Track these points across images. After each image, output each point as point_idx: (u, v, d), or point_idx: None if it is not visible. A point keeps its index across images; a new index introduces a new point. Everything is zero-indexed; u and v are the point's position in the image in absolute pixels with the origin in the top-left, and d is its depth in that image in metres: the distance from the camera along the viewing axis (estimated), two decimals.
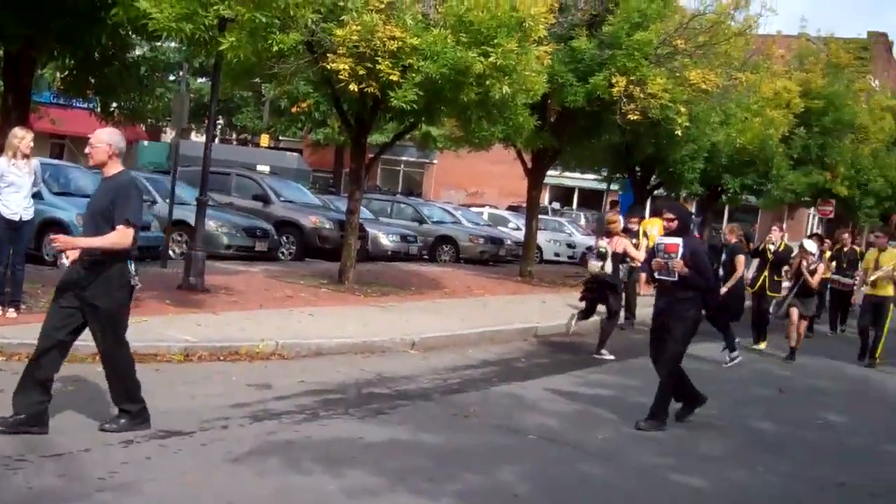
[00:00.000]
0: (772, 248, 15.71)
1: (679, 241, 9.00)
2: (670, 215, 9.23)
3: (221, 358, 10.01)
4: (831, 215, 41.73)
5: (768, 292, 15.68)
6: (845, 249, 19.42)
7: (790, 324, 14.74)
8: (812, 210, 46.91)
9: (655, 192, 28.35)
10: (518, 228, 30.80)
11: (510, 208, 41.44)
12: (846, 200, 39.37)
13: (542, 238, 26.95)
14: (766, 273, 15.65)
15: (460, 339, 12.80)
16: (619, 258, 12.89)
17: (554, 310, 16.40)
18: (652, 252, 9.74)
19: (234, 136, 49.58)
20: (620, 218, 13.90)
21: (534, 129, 17.94)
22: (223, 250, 18.29)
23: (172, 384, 8.73)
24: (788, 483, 7.69)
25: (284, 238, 20.90)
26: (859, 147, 35.35)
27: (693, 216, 28.12)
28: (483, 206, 38.45)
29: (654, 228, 20.12)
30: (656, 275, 9.18)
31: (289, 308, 13.21)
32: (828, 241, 20.29)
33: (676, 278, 8.89)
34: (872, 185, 40.91)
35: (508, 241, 27.71)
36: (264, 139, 39.11)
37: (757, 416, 10.27)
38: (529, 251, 22.70)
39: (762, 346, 15.57)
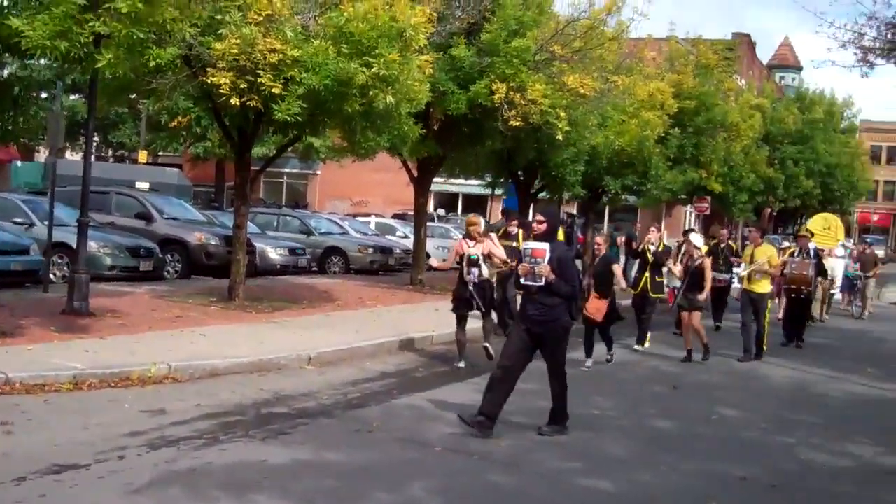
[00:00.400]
0: (651, 248, 15.77)
1: (546, 246, 8.82)
2: (540, 218, 9.08)
3: (113, 384, 9.71)
4: (707, 212, 42.95)
5: (651, 293, 15.70)
6: (721, 245, 19.79)
7: (683, 328, 14.84)
8: (689, 207, 48.21)
9: (539, 195, 28.70)
10: (406, 236, 30.81)
11: (396, 216, 41.44)
12: (721, 197, 40.57)
13: (430, 245, 26.92)
14: (647, 274, 15.72)
15: (357, 352, 12.71)
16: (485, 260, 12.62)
17: (447, 317, 16.29)
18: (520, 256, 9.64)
19: (111, 153, 48.37)
20: (481, 220, 13.56)
21: (418, 137, 17.99)
22: (107, 272, 17.76)
23: (63, 414, 8.46)
24: (692, 481, 7.84)
25: (169, 256, 20.44)
26: (731, 145, 36.45)
27: (577, 218, 28.57)
28: (369, 215, 38.36)
29: None
30: (522, 280, 8.95)
31: (179, 329, 12.91)
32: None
33: (543, 283, 8.70)
34: (744, 181, 42.35)
35: (397, 250, 27.71)
36: (142, 155, 38.20)
37: (655, 414, 10.48)
38: (419, 259, 22.70)
39: (646, 345, 15.61)
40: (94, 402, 8.99)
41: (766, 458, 8.84)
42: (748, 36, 63.86)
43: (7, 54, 12.19)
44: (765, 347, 15.40)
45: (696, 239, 15.44)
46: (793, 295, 17.40)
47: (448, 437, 8.61)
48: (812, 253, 18.23)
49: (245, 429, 8.39)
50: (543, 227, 8.98)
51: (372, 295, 19.27)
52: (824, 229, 23.80)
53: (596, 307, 13.19)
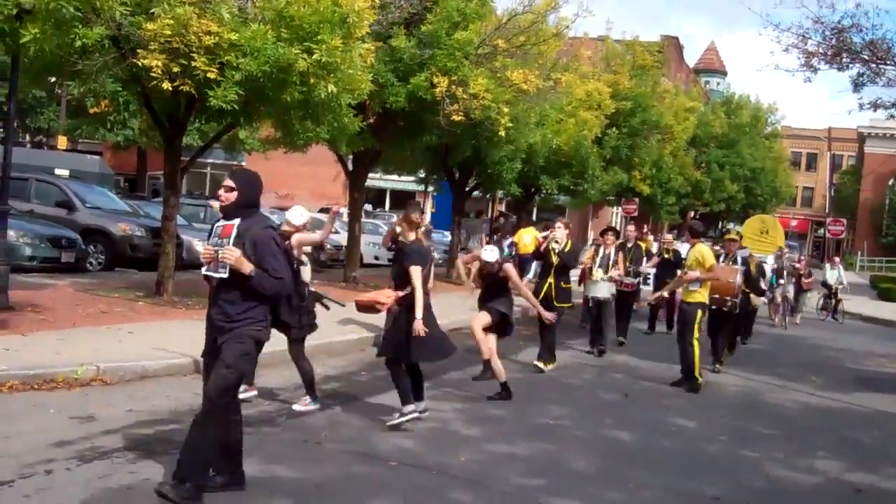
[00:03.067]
0: (556, 247, 12.98)
1: (235, 223, 6.28)
2: (229, 184, 6.34)
3: (36, 387, 8.93)
4: (635, 213, 42.99)
5: (555, 302, 12.85)
6: (629, 245, 17.56)
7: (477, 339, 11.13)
8: (616, 209, 48.29)
9: (474, 193, 28.30)
10: (336, 232, 30.07)
11: (322, 210, 40.66)
12: (649, 199, 40.67)
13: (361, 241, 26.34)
14: (550, 280, 12.95)
15: None
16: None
17: (384, 316, 15.87)
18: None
19: (28, 138, 46.59)
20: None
21: (357, 130, 17.36)
22: (26, 262, 16.75)
23: None
24: (664, 500, 7.38)
25: (92, 247, 19.47)
26: (664, 147, 36.53)
27: (509, 217, 28.15)
28: None
29: (527, 237, 18.19)
30: (204, 270, 6.38)
31: (105, 325, 12.09)
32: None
33: (226, 274, 6.18)
34: (672, 184, 42.51)
35: (328, 246, 26.93)
36: (62, 141, 36.74)
37: (612, 424, 10.02)
38: (353, 256, 22.01)
39: (550, 365, 13.06)
40: (17, 407, 8.22)
41: (734, 474, 8.42)
42: (676, 39, 64.27)
43: None
44: (698, 377, 12.70)
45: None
46: (713, 307, 13.83)
47: (402, 449, 8.04)
48: (740, 260, 15.56)
49: (182, 436, 7.68)
50: (233, 196, 6.29)
51: None
52: (761, 233, 21.93)
53: (387, 295, 9.50)
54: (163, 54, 12.89)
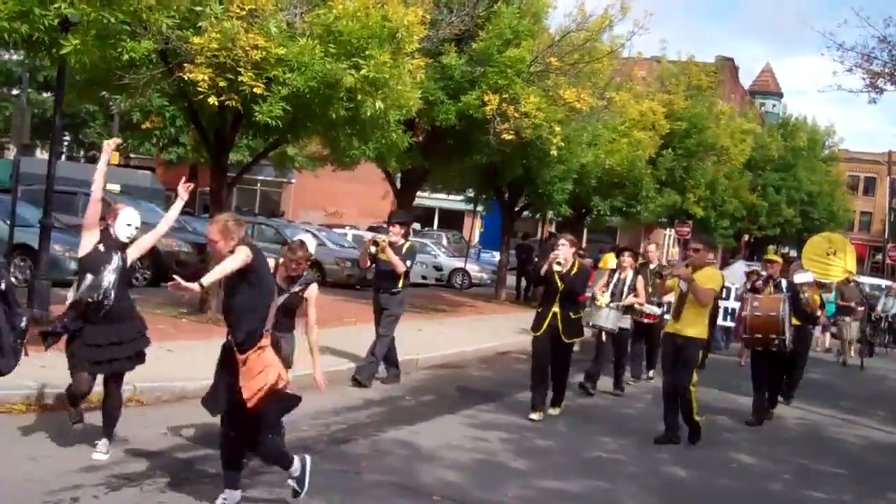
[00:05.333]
0: (559, 269, 10.31)
1: None
2: None
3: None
4: (688, 236, 42.25)
5: (563, 337, 10.47)
6: (651, 266, 14.38)
7: None
8: (669, 230, 47.53)
9: (523, 213, 27.89)
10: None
11: (371, 229, 40.45)
12: (702, 221, 39.95)
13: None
14: (555, 308, 10.43)
15: (339, 376, 11.64)
16: None
17: (431, 338, 15.57)
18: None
19: (83, 153, 46.96)
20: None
21: (406, 147, 17.02)
22: (71, 276, 16.55)
23: (10, 441, 7.42)
24: None
25: (138, 263, 19.22)
26: (719, 169, 35.92)
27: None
28: (343, 226, 37.36)
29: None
30: None
31: None
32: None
33: None
34: (727, 207, 41.71)
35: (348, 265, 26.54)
36: (114, 157, 36.96)
37: (667, 459, 9.47)
38: None
39: (559, 409, 11.02)
40: (47, 428, 7.91)
41: None
42: (731, 60, 63.40)
43: None
44: (697, 418, 10.29)
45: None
46: (758, 348, 11.88)
47: (446, 482, 7.61)
48: (785, 285, 12.63)
49: (218, 465, 7.31)
50: None
51: (351, 311, 18.16)
52: (826, 255, 17.62)
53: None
54: (209, 68, 12.68)
